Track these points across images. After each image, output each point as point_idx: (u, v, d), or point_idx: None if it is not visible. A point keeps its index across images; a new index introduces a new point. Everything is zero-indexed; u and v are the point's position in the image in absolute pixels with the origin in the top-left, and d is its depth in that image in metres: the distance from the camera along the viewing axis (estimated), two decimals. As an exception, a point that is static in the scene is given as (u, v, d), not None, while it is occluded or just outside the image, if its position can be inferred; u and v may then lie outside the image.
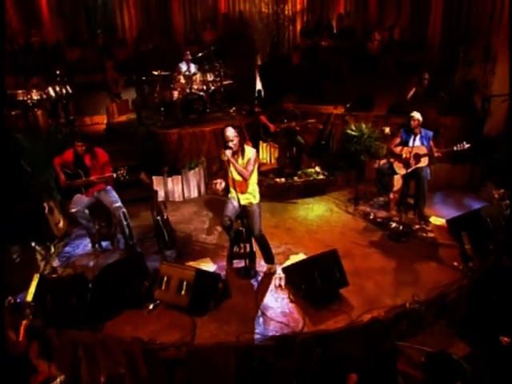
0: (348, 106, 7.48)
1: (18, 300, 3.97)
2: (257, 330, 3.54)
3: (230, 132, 4.13)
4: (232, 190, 4.22)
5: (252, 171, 4.13)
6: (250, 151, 4.19)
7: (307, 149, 7.11)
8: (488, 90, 7.87)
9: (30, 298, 3.85)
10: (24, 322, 3.67)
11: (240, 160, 4.13)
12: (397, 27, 10.41)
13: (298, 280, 3.97)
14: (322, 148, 6.97)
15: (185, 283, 3.70)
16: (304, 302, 3.88)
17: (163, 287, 3.81)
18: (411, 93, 7.36)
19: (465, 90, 7.96)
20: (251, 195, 4.23)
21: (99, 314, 3.73)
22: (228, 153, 4.00)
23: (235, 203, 4.15)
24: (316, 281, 3.76)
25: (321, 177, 6.41)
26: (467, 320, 4.12)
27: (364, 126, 6.79)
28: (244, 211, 4.21)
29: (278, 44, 11.23)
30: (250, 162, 4.11)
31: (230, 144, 4.08)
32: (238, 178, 4.13)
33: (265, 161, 7.13)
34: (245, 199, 4.20)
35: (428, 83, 7.38)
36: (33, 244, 4.61)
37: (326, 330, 3.49)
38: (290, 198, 6.14)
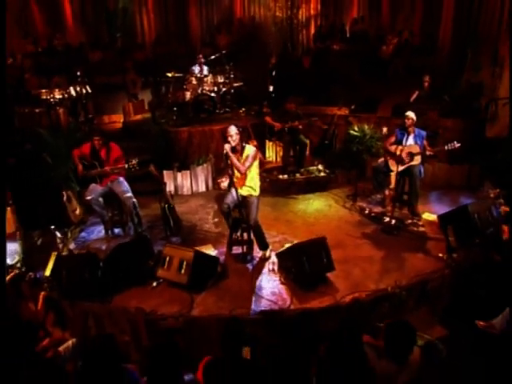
0: (352, 107, 7.85)
1: (38, 276, 4.51)
2: (248, 306, 3.98)
3: (232, 129, 4.58)
4: (231, 181, 4.66)
5: (249, 167, 4.55)
6: (249, 149, 4.62)
7: (312, 148, 7.53)
8: (495, 94, 8.14)
9: (48, 273, 4.39)
10: (42, 294, 4.20)
11: (239, 156, 4.58)
12: (407, 31, 10.75)
13: (289, 264, 4.38)
14: (325, 147, 7.35)
15: (185, 263, 4.16)
16: (293, 284, 4.28)
17: (165, 266, 4.28)
18: (414, 95, 7.68)
19: (470, 93, 8.25)
20: (251, 188, 4.65)
21: (108, 288, 4.21)
22: (227, 147, 4.46)
23: (234, 194, 4.59)
24: (304, 265, 4.16)
25: (322, 174, 6.80)
26: (451, 309, 4.46)
27: (366, 126, 7.13)
28: (243, 202, 4.64)
29: (290, 47, 11.66)
30: (247, 158, 4.54)
31: (230, 139, 4.53)
32: (236, 172, 4.57)
33: (271, 159, 7.54)
34: (245, 191, 4.63)
35: (430, 86, 7.66)
36: (52, 228, 5.15)
37: (310, 308, 3.89)
38: (291, 193, 6.54)
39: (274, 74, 10.02)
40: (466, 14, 9.79)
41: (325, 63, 10.45)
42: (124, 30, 11.32)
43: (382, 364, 2.91)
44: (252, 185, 4.63)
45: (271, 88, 10.10)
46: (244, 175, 4.58)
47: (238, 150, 4.56)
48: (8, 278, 4.52)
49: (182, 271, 4.16)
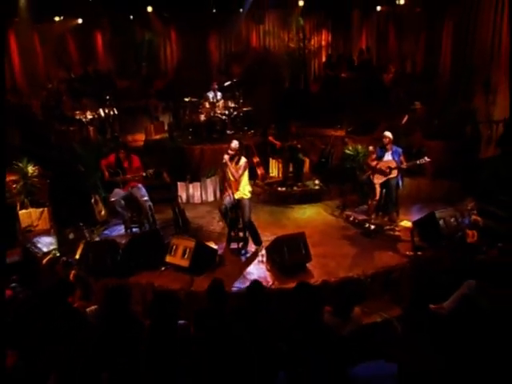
0: (349, 129, 8.92)
1: (69, 260, 5.67)
2: (237, 285, 5.00)
3: (233, 144, 5.74)
4: (228, 187, 5.77)
5: (241, 174, 5.67)
6: (242, 161, 5.76)
7: (311, 165, 8.60)
8: (491, 119, 9.07)
9: (77, 256, 5.54)
10: (73, 272, 5.34)
11: (235, 165, 5.71)
12: (409, 60, 11.85)
13: (274, 256, 5.39)
14: (322, 164, 8.41)
15: (187, 250, 5.23)
16: (278, 272, 5.29)
17: (172, 253, 5.36)
18: (405, 119, 8.70)
19: (460, 118, 9.22)
20: (243, 192, 5.75)
21: (125, 270, 5.31)
22: (226, 157, 5.60)
23: (231, 197, 5.69)
24: (285, 254, 5.17)
25: (316, 187, 7.84)
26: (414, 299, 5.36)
27: (360, 146, 8.15)
28: (238, 203, 5.73)
29: (301, 75, 12.89)
30: (240, 167, 5.68)
31: (230, 151, 5.67)
32: (232, 178, 5.70)
33: (273, 175, 8.64)
34: (238, 194, 5.73)
35: (421, 111, 8.69)
36: (81, 225, 6.34)
37: (286, 288, 4.87)
38: (288, 203, 7.58)
39: (283, 98, 11.22)
40: (462, 45, 10.89)
41: (333, 89, 11.64)
42: (149, 60, 12.81)
43: (332, 320, 3.87)
44: (244, 190, 5.74)
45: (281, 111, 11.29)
46: (238, 182, 5.69)
47: (235, 160, 5.69)
48: (45, 260, 5.73)
49: (185, 257, 5.23)
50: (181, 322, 3.84)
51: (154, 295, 3.98)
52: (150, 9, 11.79)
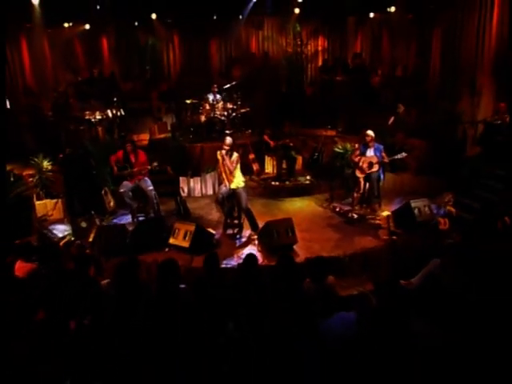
0: (340, 129, 9.74)
1: (83, 243, 6.49)
2: (231, 262, 5.81)
3: (228, 140, 6.56)
4: (224, 178, 6.58)
5: (235, 167, 6.49)
6: (235, 155, 6.57)
7: (304, 162, 9.42)
8: (474, 120, 9.88)
9: (90, 239, 6.36)
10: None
11: (229, 158, 6.52)
12: (399, 65, 12.66)
13: (265, 238, 6.20)
14: (314, 162, 9.23)
15: (188, 233, 6.05)
16: (267, 252, 6.10)
17: (175, 236, 6.17)
18: (391, 120, 9.52)
19: (444, 119, 10.02)
20: (237, 182, 6.57)
21: (133, 251, 6.11)
22: (223, 152, 6.42)
23: (227, 187, 6.50)
24: (274, 236, 5.98)
25: (307, 182, 8.65)
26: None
27: (348, 145, 8.96)
28: (234, 193, 6.55)
29: (297, 78, 13.72)
30: (233, 161, 6.49)
31: (225, 147, 6.49)
32: (227, 170, 6.51)
33: (268, 171, 9.45)
34: (234, 184, 6.55)
35: (404, 112, 9.50)
36: (92, 213, 7.16)
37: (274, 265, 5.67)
38: (281, 197, 8.39)
39: (280, 100, 12.05)
40: (450, 51, 11.73)
41: (327, 92, 12.47)
42: (152, 64, 13.67)
43: (309, 286, 4.67)
44: (238, 180, 6.55)
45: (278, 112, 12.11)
46: (232, 173, 6.50)
47: (228, 155, 6.51)
48: (62, 243, 6.56)
49: (186, 239, 6.05)
50: (182, 286, 4.65)
51: (160, 263, 4.75)
52: (154, 16, 12.65)
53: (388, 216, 6.89)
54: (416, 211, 6.68)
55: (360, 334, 3.70)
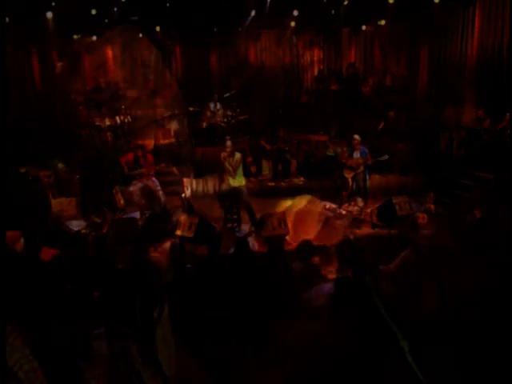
0: (332, 134, 10.68)
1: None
2: (231, 251, 6.68)
3: (228, 143, 7.49)
4: (226, 177, 7.49)
5: (237, 166, 7.39)
6: (238, 155, 7.48)
7: (298, 165, 10.33)
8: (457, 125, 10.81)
9: (105, 230, 7.25)
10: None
11: (232, 159, 7.43)
12: (389, 75, 13.62)
13: (260, 229, 7.08)
14: (307, 164, 10.14)
15: (192, 224, 6.92)
16: (262, 242, 6.97)
17: (180, 227, 7.05)
18: (381, 125, 10.45)
19: (428, 125, 10.96)
20: (239, 181, 7.48)
21: (143, 241, 6.99)
22: (226, 154, 7.35)
23: (229, 185, 7.41)
24: (268, 227, 6.87)
25: (300, 183, 9.56)
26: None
27: (339, 149, 9.90)
28: (236, 190, 7.46)
29: (293, 87, 14.69)
30: (237, 160, 7.40)
31: (227, 149, 7.41)
32: (230, 169, 7.42)
33: (265, 173, 10.36)
34: (236, 182, 7.45)
35: (393, 119, 10.44)
36: (105, 209, 8.06)
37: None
38: (276, 196, 9.27)
39: (276, 107, 13.01)
40: (436, 62, 12.74)
41: (322, 101, 13.42)
42: (155, 73, 14.61)
43: (297, 265, 5.54)
44: (240, 179, 7.46)
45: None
46: (235, 172, 7.40)
47: (231, 156, 7.43)
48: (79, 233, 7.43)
49: (190, 230, 6.92)
50: (188, 265, 5.52)
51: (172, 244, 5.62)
52: (157, 28, 13.64)
53: (372, 211, 7.78)
54: (397, 206, 7.56)
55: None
